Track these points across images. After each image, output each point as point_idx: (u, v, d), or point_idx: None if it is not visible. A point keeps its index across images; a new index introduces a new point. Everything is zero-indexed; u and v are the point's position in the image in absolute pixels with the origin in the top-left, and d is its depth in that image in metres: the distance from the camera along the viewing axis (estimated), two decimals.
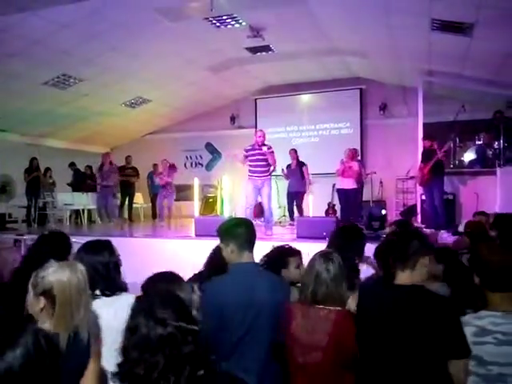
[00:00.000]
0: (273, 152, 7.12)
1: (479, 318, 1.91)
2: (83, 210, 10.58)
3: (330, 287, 2.12)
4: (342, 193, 8.72)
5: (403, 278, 1.96)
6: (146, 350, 1.33)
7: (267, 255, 2.91)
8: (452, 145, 8.43)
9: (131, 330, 1.38)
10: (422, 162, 7.82)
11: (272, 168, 7.27)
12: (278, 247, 3.03)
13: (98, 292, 2.26)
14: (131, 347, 1.35)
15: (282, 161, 9.51)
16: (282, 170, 9.23)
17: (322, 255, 2.24)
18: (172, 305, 1.44)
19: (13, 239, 6.62)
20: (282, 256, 2.90)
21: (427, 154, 7.67)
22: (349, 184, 8.57)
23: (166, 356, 1.32)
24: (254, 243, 2.36)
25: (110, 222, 9.61)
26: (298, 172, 9.06)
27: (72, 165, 11.56)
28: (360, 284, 2.62)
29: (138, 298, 1.68)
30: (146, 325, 1.36)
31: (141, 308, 1.43)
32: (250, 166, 7.18)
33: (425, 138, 7.92)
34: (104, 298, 2.25)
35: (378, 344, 1.92)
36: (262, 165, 7.09)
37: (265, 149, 7.04)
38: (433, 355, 1.79)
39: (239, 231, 2.33)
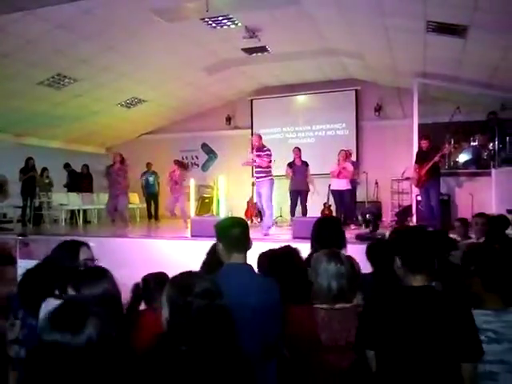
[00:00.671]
0: (267, 155, 7.42)
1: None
2: (79, 211, 10.55)
3: (350, 283, 2.15)
4: (336, 193, 8.78)
5: (415, 280, 1.89)
6: (200, 321, 1.50)
7: (273, 266, 2.67)
8: (450, 147, 8.44)
9: (182, 307, 1.51)
10: (416, 162, 7.84)
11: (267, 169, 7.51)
12: (272, 252, 2.94)
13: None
14: (187, 323, 1.50)
15: (279, 161, 9.51)
16: (288, 168, 9.21)
17: (329, 255, 2.24)
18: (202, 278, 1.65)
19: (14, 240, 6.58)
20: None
21: (423, 155, 7.70)
22: (343, 185, 8.63)
23: (215, 324, 1.51)
24: (245, 245, 2.35)
25: (119, 222, 9.48)
26: (303, 170, 9.05)
27: (67, 166, 11.53)
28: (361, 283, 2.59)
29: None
30: (196, 301, 1.53)
31: (179, 288, 1.58)
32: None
33: (423, 137, 7.92)
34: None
35: (394, 347, 1.86)
36: (258, 166, 7.51)
37: (251, 156, 7.61)
38: (450, 358, 1.76)
39: (229, 232, 2.33)
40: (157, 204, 11.65)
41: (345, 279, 2.15)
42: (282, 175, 9.40)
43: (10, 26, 6.75)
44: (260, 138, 7.68)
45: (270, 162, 7.56)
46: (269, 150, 7.52)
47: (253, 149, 7.68)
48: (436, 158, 7.48)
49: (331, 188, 8.93)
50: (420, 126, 8.95)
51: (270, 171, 7.53)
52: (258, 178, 7.58)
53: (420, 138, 8.11)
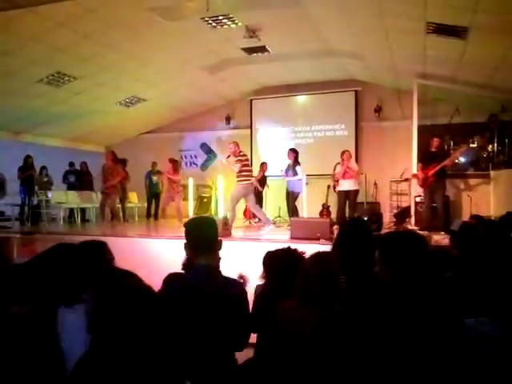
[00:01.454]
0: (238, 160, 7.70)
1: (481, 323, 1.93)
2: (77, 209, 10.53)
3: (320, 287, 2.11)
4: (343, 194, 8.66)
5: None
6: None
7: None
8: (463, 152, 8.40)
9: None
10: (422, 162, 7.81)
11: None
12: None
13: None
14: None
15: (278, 161, 9.55)
16: (282, 170, 9.25)
17: (312, 256, 2.23)
18: None
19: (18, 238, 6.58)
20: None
21: (432, 156, 7.67)
22: (351, 185, 8.57)
23: None
24: (210, 246, 2.33)
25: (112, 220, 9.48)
26: (293, 172, 9.06)
27: (71, 165, 11.55)
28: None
29: None
30: None
31: None
32: None
33: (436, 136, 7.89)
34: None
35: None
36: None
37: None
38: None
39: (194, 233, 2.34)
40: (158, 203, 11.63)
41: (318, 282, 2.10)
42: (279, 175, 9.43)
43: (11, 23, 6.74)
44: (235, 145, 7.84)
45: (244, 166, 7.70)
46: (241, 156, 7.74)
47: (229, 156, 7.90)
48: (447, 162, 7.48)
49: (338, 189, 8.81)
50: (419, 128, 8.95)
51: (241, 175, 7.68)
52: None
53: (432, 136, 8.02)
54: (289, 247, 2.84)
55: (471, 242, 3.23)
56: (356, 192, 8.71)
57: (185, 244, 2.37)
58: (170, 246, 6.45)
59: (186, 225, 2.41)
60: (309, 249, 3.09)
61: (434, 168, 7.50)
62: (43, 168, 10.53)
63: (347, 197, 8.61)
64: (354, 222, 3.37)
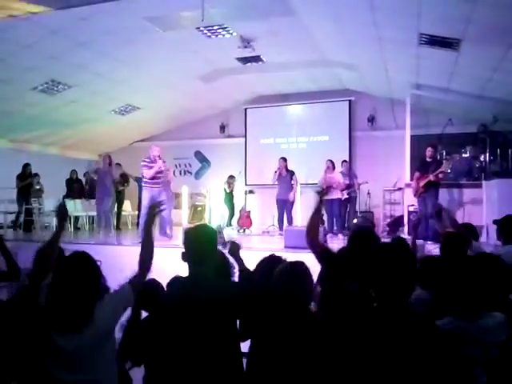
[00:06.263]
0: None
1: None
2: (70, 217, 10.45)
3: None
4: (327, 203, 8.74)
5: None
6: None
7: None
8: (447, 166, 8.41)
9: None
10: (418, 170, 7.88)
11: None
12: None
13: None
14: None
15: (272, 170, 9.55)
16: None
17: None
18: None
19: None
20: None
21: (426, 165, 7.74)
22: (333, 194, 8.64)
23: None
24: (208, 257, 2.34)
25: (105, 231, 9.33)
26: (288, 180, 9.08)
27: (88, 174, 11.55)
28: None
29: None
30: None
31: None
32: None
33: (430, 145, 7.93)
34: None
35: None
36: None
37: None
38: None
39: (193, 245, 2.34)
40: None
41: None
42: (274, 184, 9.45)
43: (5, 31, 6.74)
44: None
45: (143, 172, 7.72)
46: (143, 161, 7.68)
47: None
48: (431, 177, 7.54)
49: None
50: (412, 138, 9.01)
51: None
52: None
53: (426, 146, 8.07)
54: None
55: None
56: (338, 201, 8.80)
57: (183, 253, 2.31)
58: (167, 255, 6.41)
59: (186, 233, 2.36)
60: (303, 258, 3.09)
61: (426, 178, 7.59)
62: (35, 175, 10.46)
63: (332, 205, 8.70)
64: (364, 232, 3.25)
